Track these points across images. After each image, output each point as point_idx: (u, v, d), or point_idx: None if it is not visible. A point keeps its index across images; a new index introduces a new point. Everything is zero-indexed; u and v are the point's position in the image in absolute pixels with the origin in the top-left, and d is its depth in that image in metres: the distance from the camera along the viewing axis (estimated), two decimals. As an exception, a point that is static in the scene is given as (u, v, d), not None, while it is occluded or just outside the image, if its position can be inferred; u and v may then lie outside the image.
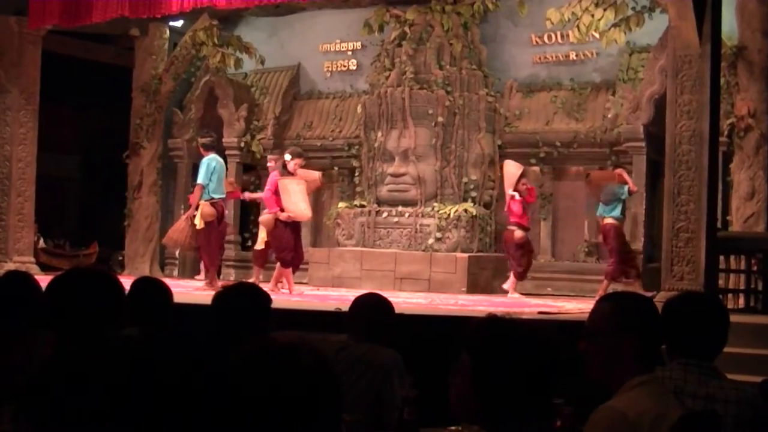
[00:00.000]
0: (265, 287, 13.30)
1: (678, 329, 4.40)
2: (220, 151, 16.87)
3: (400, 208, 16.01)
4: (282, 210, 13.84)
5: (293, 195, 13.88)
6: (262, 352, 2.29)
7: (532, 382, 2.79)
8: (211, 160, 14.23)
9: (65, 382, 2.90)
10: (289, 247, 14.02)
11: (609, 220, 13.77)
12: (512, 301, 13.86)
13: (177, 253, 18.38)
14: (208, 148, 14.49)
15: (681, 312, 4.50)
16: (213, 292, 5.47)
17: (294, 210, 13.86)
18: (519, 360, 2.79)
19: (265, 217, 14.14)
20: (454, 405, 2.88)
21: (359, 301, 5.97)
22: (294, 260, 14.16)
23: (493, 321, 2.94)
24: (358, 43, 18.05)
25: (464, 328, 2.92)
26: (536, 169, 16.21)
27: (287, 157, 14.22)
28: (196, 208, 13.95)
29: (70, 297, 4.05)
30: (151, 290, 5.83)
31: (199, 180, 14.01)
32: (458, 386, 2.85)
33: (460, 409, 2.88)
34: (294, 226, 14.07)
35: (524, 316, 10.01)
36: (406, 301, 12.55)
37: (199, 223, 13.89)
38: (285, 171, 14.11)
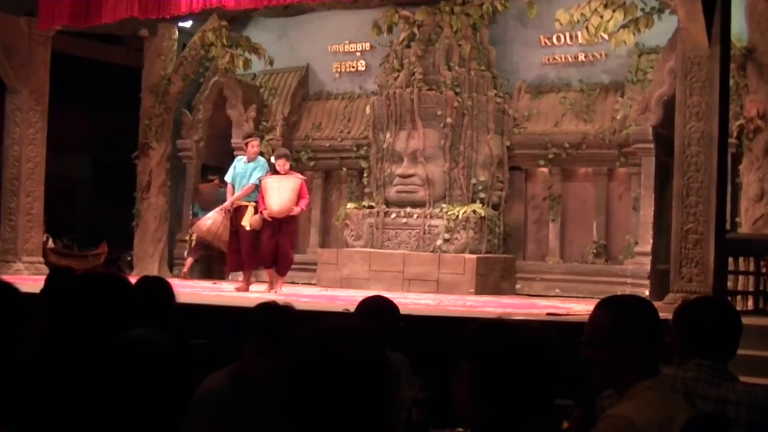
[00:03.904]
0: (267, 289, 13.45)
1: (693, 331, 4.41)
2: (229, 153, 16.92)
3: (408, 209, 16.01)
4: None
5: (270, 191, 13.95)
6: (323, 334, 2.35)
7: (533, 384, 2.79)
8: (264, 163, 14.55)
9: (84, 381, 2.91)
10: (270, 248, 14.19)
11: None
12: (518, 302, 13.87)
13: (186, 253, 18.40)
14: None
15: (696, 314, 4.51)
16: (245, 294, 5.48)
17: (267, 207, 13.95)
18: (517, 362, 2.79)
19: (254, 217, 14.16)
20: (458, 411, 2.88)
21: (364, 304, 5.96)
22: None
23: (488, 325, 2.94)
24: (367, 44, 18.05)
25: (460, 334, 2.92)
26: (545, 170, 16.21)
27: (273, 158, 14.45)
28: (234, 206, 14.18)
29: (82, 299, 4.06)
30: (155, 289, 5.82)
31: (255, 180, 14.19)
32: (459, 393, 2.85)
33: (464, 414, 2.88)
34: (273, 224, 14.12)
35: (532, 318, 10.04)
36: (414, 302, 12.56)
37: (248, 224, 14.04)
38: (274, 171, 14.28)
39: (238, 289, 14.29)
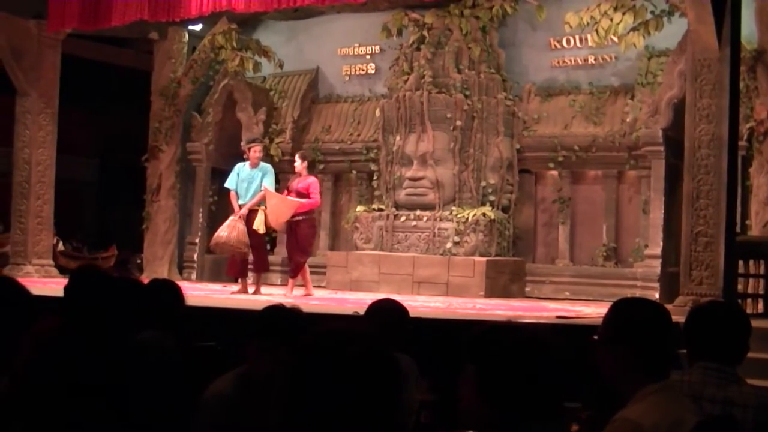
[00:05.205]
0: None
1: (700, 334, 4.40)
2: (239, 156, 16.91)
3: (418, 212, 16.00)
4: None
5: (269, 202, 14.08)
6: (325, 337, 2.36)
7: (538, 386, 2.80)
8: (271, 168, 14.69)
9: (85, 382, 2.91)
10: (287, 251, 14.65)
11: None
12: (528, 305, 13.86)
13: (195, 256, 18.42)
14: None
15: (702, 317, 4.50)
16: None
17: None
18: (522, 364, 2.79)
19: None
20: (464, 413, 2.89)
21: (374, 307, 5.95)
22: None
23: (494, 327, 2.95)
24: (377, 47, 18.05)
25: (466, 336, 2.93)
26: (554, 173, 16.19)
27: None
28: (249, 212, 14.20)
29: (90, 299, 4.07)
30: (164, 292, 5.81)
31: (268, 186, 14.16)
32: (465, 395, 2.86)
33: (470, 417, 2.88)
34: (288, 228, 14.27)
35: (542, 321, 10.03)
36: (424, 305, 12.56)
37: (261, 227, 14.05)
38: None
39: (234, 293, 14.28)
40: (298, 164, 14.34)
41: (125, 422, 3.13)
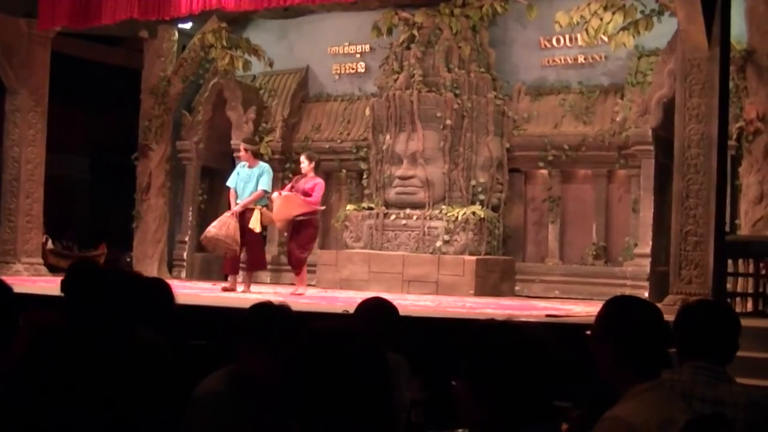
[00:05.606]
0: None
1: (689, 333, 4.42)
2: (228, 154, 16.91)
3: (408, 211, 16.01)
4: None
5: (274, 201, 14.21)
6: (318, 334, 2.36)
7: (532, 385, 2.80)
8: (269, 168, 14.66)
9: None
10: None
11: None
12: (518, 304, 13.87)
13: (185, 254, 18.41)
14: (257, 155, 15.12)
15: (691, 316, 4.51)
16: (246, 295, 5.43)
17: None
18: (516, 363, 2.80)
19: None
20: (458, 411, 2.89)
21: (363, 306, 5.94)
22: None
23: (489, 326, 2.95)
24: (367, 46, 18.05)
25: (461, 334, 2.93)
26: (544, 172, 16.21)
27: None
28: (244, 211, 14.18)
29: (87, 295, 4.06)
30: (155, 291, 5.79)
31: (265, 186, 14.27)
32: (460, 393, 2.86)
33: (464, 415, 2.89)
34: (291, 227, 14.33)
35: (531, 319, 10.03)
36: (413, 303, 12.54)
37: (257, 226, 14.07)
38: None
39: (224, 290, 14.27)
40: (305, 165, 14.44)
41: (116, 420, 3.13)
